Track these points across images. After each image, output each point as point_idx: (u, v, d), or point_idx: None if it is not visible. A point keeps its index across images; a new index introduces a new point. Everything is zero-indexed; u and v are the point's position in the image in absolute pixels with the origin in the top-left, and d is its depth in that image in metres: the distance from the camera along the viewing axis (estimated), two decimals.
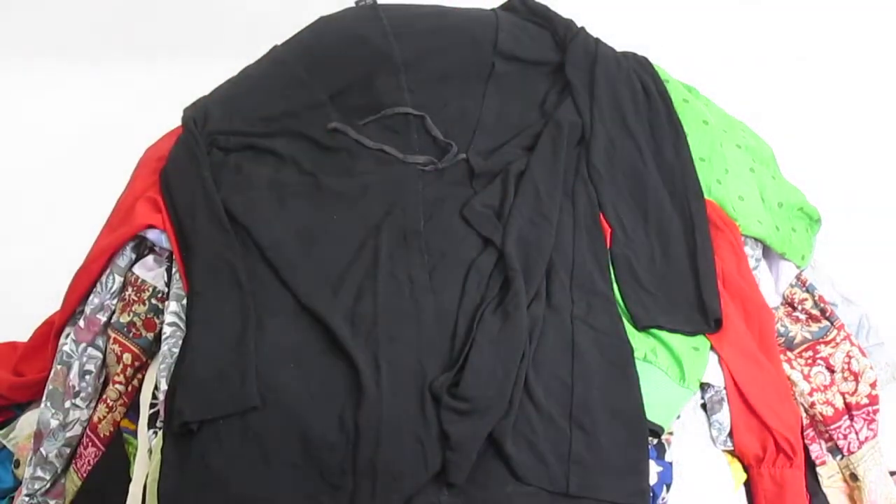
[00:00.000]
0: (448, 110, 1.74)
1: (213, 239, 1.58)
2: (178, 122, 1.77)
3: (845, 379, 1.66)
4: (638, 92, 1.80)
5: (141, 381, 1.62)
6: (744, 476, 1.57)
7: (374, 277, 1.53)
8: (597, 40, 1.85)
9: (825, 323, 1.71)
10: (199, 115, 1.74)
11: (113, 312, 1.65)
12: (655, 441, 1.48)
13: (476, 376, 1.41)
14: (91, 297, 1.66)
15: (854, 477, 1.64)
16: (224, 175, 1.66)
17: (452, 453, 1.38)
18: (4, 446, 1.83)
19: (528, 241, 1.57)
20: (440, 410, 1.40)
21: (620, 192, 1.69)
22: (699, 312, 1.58)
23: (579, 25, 1.87)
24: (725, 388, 1.55)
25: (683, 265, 1.63)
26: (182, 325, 1.55)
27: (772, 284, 1.73)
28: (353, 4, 1.89)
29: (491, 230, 1.58)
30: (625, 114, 1.76)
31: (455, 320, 1.48)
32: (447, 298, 1.51)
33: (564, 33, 1.84)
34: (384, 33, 1.79)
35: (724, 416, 1.55)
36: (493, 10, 1.91)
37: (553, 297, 1.53)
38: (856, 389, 1.65)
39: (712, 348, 1.57)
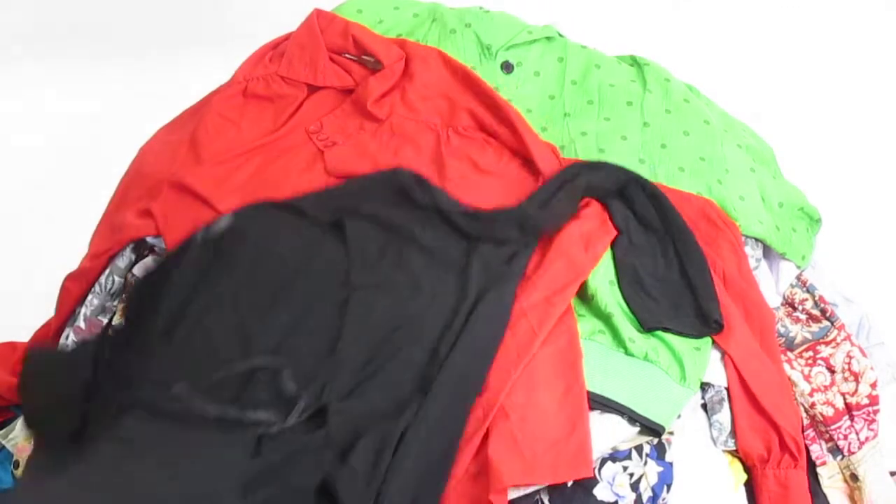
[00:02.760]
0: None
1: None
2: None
3: (846, 379, 1.65)
4: None
5: None
6: (744, 476, 1.57)
7: None
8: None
9: (825, 323, 1.71)
10: None
11: (113, 314, 1.65)
12: (656, 441, 1.48)
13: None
14: (90, 299, 1.66)
15: (854, 477, 1.64)
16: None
17: None
18: (4, 447, 1.82)
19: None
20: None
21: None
22: (700, 321, 1.57)
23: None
24: (730, 387, 1.55)
25: (678, 275, 1.62)
26: None
27: (772, 284, 1.73)
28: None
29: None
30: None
31: None
32: None
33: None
34: None
35: (724, 416, 1.55)
36: None
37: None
38: (856, 390, 1.65)
39: (718, 347, 1.56)
